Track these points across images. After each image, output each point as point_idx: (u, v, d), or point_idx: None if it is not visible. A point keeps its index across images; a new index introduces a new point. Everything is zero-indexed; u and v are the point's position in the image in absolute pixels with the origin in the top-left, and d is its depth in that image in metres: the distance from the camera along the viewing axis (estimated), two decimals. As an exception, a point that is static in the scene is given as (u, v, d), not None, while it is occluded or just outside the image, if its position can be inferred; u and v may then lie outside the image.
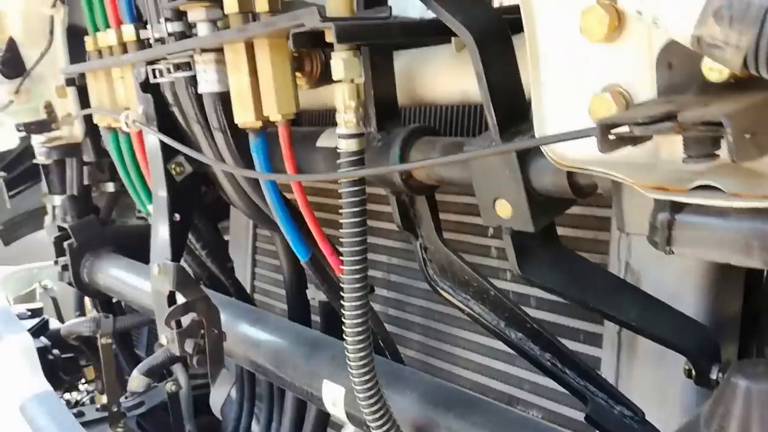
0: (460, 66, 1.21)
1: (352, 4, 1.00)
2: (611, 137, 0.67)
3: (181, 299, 1.53)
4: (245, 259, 2.47)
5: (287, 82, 1.18)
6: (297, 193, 1.22)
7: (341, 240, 1.08)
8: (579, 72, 0.82)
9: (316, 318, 1.88)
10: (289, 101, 1.18)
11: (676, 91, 0.72)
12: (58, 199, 2.82)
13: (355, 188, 1.05)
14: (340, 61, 1.00)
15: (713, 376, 1.14)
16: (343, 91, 1.02)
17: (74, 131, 2.30)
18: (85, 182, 2.55)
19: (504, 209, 1.05)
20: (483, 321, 1.27)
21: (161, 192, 1.56)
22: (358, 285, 1.06)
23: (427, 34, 1.07)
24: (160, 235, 1.56)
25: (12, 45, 2.17)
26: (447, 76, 1.24)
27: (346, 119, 1.03)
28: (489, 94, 0.99)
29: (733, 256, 0.68)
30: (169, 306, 1.54)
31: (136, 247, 2.58)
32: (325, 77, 1.25)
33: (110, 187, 2.56)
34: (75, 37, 2.17)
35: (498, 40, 1.01)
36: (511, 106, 1.02)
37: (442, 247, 1.30)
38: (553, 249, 1.12)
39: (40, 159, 2.41)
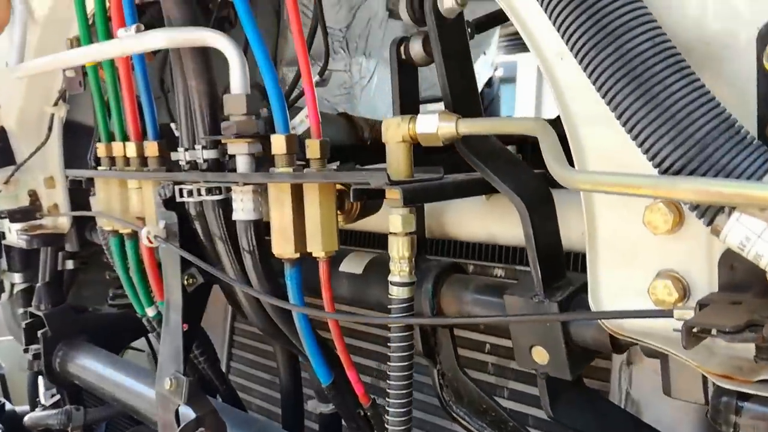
0: (490, 211, 1.30)
1: (411, 167, 1.08)
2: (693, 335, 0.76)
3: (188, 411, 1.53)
4: (220, 352, 2.45)
5: (332, 221, 1.23)
6: (333, 329, 1.26)
7: (389, 381, 1.12)
8: (638, 257, 0.91)
9: (309, 424, 1.89)
10: (333, 239, 1.24)
11: (738, 289, 0.81)
12: (17, 277, 2.75)
13: (405, 333, 1.10)
14: (399, 216, 1.07)
15: None
16: (400, 243, 1.09)
17: (59, 222, 2.27)
18: (59, 268, 2.51)
19: (541, 356, 1.13)
20: (500, 449, 1.32)
21: (175, 304, 1.57)
22: (403, 427, 1.11)
23: (475, 192, 1.15)
24: (172, 345, 1.56)
25: (3, 135, 2.15)
26: (476, 219, 1.33)
27: (401, 269, 1.10)
28: (536, 254, 1.07)
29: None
30: (176, 418, 1.53)
31: (110, 336, 2.53)
32: (361, 215, 1.31)
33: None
34: (69, 131, 2.18)
35: (543, 204, 1.10)
36: (552, 263, 1.11)
37: (461, 376, 1.36)
38: (580, 391, 1.20)
39: (19, 244, 2.36)
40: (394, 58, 1.23)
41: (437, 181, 1.10)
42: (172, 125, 1.94)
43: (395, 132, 1.07)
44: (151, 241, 1.53)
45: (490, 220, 1.32)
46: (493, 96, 4.54)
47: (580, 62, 0.73)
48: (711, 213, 0.69)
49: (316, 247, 1.24)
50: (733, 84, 0.73)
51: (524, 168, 1.14)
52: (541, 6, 0.75)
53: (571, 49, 0.73)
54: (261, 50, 1.28)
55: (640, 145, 0.71)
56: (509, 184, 1.07)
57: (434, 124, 1.03)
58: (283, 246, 1.28)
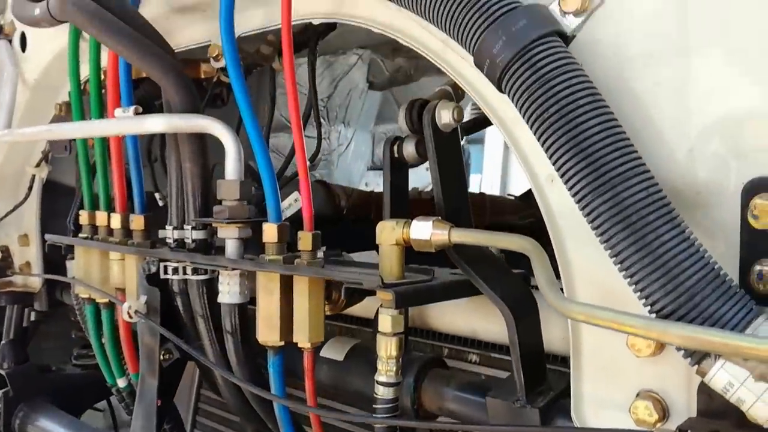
0: (474, 308, 1.33)
1: (403, 269, 1.11)
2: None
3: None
4: (184, 418, 2.41)
5: (320, 312, 1.25)
6: (314, 423, 1.26)
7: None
8: (620, 375, 0.95)
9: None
10: (320, 330, 1.25)
11: (715, 416, 0.85)
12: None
13: (390, 432, 1.11)
14: (389, 317, 1.10)
15: None
16: (389, 343, 1.11)
17: (30, 280, 2.24)
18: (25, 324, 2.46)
19: (522, 458, 1.15)
20: None
21: (150, 379, 1.55)
22: None
23: (463, 294, 1.19)
24: (145, 421, 1.54)
25: (-22, 189, 2.13)
26: (460, 314, 1.36)
27: (388, 369, 1.12)
28: (519, 360, 1.11)
29: None
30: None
31: (73, 398, 2.47)
32: (348, 304, 1.33)
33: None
34: (49, 189, 2.17)
35: (528, 311, 1.14)
36: (534, 368, 1.14)
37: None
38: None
39: (-13, 302, 2.31)
40: (387, 156, 1.28)
41: (427, 283, 1.13)
42: (157, 195, 1.96)
43: (389, 235, 1.10)
44: (131, 317, 1.52)
45: (473, 316, 1.35)
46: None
47: (578, 204, 0.78)
48: (698, 356, 0.73)
49: (302, 338, 1.25)
50: (719, 231, 0.79)
51: (511, 275, 1.18)
52: (543, 148, 0.80)
53: (571, 194, 0.78)
54: (257, 137, 1.31)
55: (634, 287, 0.75)
56: (497, 291, 1.11)
57: (428, 231, 1.07)
58: (268, 334, 1.29)
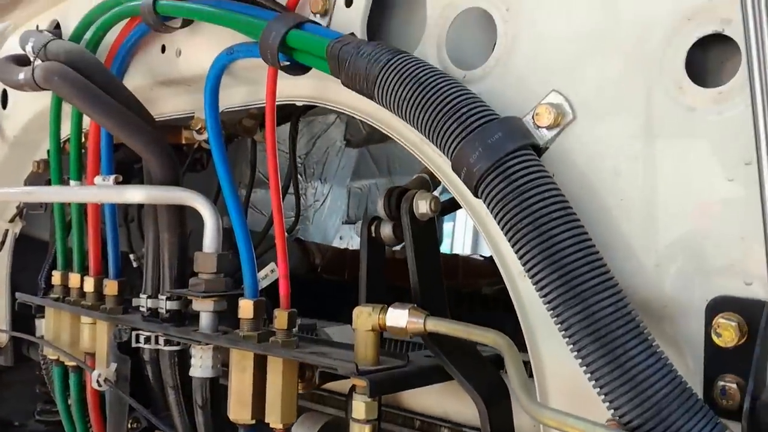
0: (448, 391, 1.34)
1: (378, 354, 1.12)
2: None
3: None
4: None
5: (293, 392, 1.25)
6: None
7: None
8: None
9: None
10: (292, 411, 1.25)
11: None
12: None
13: None
14: (363, 404, 1.10)
15: None
16: (361, 430, 1.11)
17: (-5, 335, 2.20)
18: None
19: None
20: None
21: (117, 450, 1.53)
22: None
23: (438, 380, 1.20)
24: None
25: (-52, 239, 2.10)
26: (434, 395, 1.37)
27: (360, 458, 1.12)
28: (491, 447, 1.12)
29: None
30: None
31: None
32: (321, 384, 1.34)
33: None
34: (21, 244, 2.15)
35: (501, 400, 1.15)
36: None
37: None
38: None
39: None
40: (365, 236, 1.30)
41: (402, 369, 1.14)
42: (131, 255, 1.95)
43: (366, 321, 1.12)
44: (100, 385, 1.50)
45: (446, 397, 1.36)
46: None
47: (551, 314, 0.80)
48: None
49: (274, 418, 1.25)
50: (685, 343, 0.82)
51: (485, 363, 1.20)
52: (517, 256, 0.83)
53: (544, 302, 0.81)
54: (236, 212, 1.33)
55: (603, 397, 0.77)
56: (471, 379, 1.12)
57: (404, 319, 1.09)
58: (239, 411, 1.28)
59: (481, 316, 1.60)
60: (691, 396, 0.74)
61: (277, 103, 1.25)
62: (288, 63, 1.18)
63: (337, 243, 3.42)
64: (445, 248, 4.93)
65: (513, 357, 0.93)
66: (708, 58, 0.83)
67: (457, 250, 5.40)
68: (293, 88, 1.29)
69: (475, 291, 2.31)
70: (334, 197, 3.39)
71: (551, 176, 0.85)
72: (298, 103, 1.33)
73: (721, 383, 0.78)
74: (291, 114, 1.63)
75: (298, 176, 3.09)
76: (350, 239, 3.56)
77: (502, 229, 0.85)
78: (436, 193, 1.24)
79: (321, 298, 2.48)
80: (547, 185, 0.83)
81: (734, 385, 0.77)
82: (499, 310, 1.92)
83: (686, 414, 0.73)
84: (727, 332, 0.76)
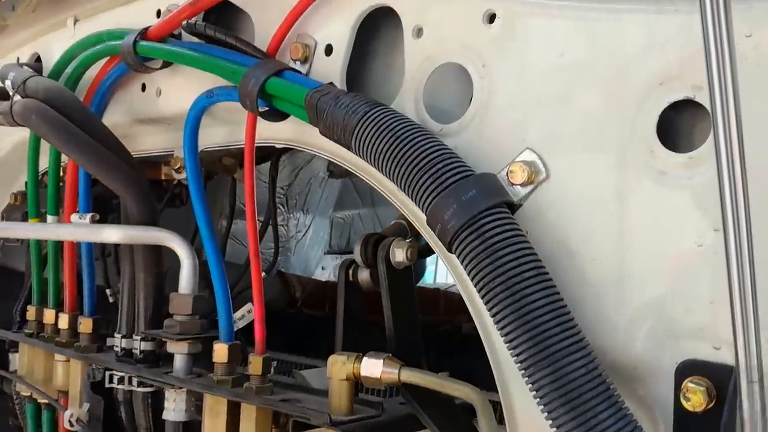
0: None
1: (352, 403, 1.11)
2: None
3: None
4: None
5: (266, 439, 1.24)
6: None
7: None
8: None
9: None
10: (265, 457, 1.24)
11: None
12: None
13: None
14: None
15: None
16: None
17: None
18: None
19: None
20: None
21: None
22: None
23: (410, 430, 1.19)
24: None
25: None
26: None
27: None
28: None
29: None
30: None
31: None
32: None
33: None
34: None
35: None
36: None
37: None
38: None
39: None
40: (342, 280, 1.29)
41: (376, 419, 1.13)
42: (108, 291, 1.93)
43: (340, 370, 1.11)
44: (72, 425, 1.48)
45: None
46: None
47: (522, 374, 0.80)
48: None
49: (248, 464, 1.23)
50: (656, 405, 0.82)
51: (459, 413, 1.19)
52: (490, 314, 0.83)
53: (516, 362, 0.81)
54: (213, 255, 1.32)
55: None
56: (444, 430, 1.11)
57: (378, 369, 1.08)
58: (213, 456, 1.27)
59: (460, 356, 1.60)
60: (661, 461, 0.74)
61: (256, 145, 1.26)
62: (267, 109, 1.18)
63: (318, 273, 3.40)
64: (428, 277, 4.92)
65: (485, 410, 0.93)
66: (681, 121, 0.85)
67: (441, 278, 5.39)
68: (273, 131, 1.29)
69: (455, 328, 2.31)
70: (317, 228, 3.38)
71: (524, 234, 0.85)
72: (278, 146, 1.34)
73: (691, 448, 0.79)
74: (271, 153, 1.63)
75: (281, 207, 3.09)
76: (332, 270, 3.54)
77: (475, 287, 0.85)
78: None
79: (301, 332, 2.47)
80: (520, 244, 0.83)
81: (711, 451, 0.77)
82: (476, 349, 1.92)
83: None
84: (696, 396, 0.76)
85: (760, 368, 0.66)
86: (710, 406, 0.77)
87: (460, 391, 0.98)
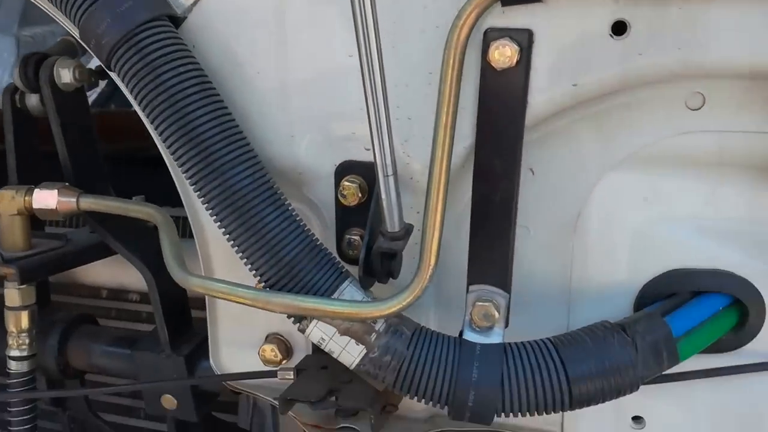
0: (120, 261, 1.32)
1: (29, 238, 1.06)
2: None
3: None
4: None
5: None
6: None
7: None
8: (250, 322, 1.05)
9: None
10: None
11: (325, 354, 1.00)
12: None
13: (27, 407, 1.09)
14: (16, 291, 1.05)
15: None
16: (18, 317, 1.06)
17: None
18: None
19: (170, 402, 1.22)
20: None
21: None
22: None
23: (101, 256, 1.17)
24: None
25: None
26: (107, 269, 1.34)
27: (20, 342, 1.08)
28: (162, 316, 1.15)
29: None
30: None
31: None
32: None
33: None
34: None
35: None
36: (178, 319, 1.20)
37: (93, 419, 1.39)
38: (207, 425, 1.33)
39: None
40: (8, 107, 1.17)
41: (58, 251, 1.09)
42: None
43: (9, 205, 1.04)
44: None
45: (119, 269, 1.34)
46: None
47: (193, 188, 0.82)
48: (298, 318, 0.85)
49: None
50: (321, 205, 0.91)
51: (152, 234, 1.19)
52: (156, 134, 0.81)
53: (186, 178, 0.82)
54: None
55: (245, 261, 0.83)
56: (136, 252, 1.12)
57: (53, 200, 1.03)
58: None
59: (156, 178, 1.58)
60: (320, 252, 0.83)
61: None
62: None
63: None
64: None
65: (167, 229, 0.94)
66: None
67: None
68: None
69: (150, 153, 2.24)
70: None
71: (188, 49, 0.83)
72: None
73: (348, 237, 0.89)
74: None
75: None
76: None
77: (138, 106, 0.82)
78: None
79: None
80: (183, 59, 0.81)
81: (358, 238, 0.88)
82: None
83: (314, 269, 0.82)
84: (350, 193, 0.85)
85: (394, 164, 0.75)
86: (363, 200, 0.87)
87: (142, 212, 0.98)
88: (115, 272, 1.37)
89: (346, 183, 0.86)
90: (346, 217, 0.89)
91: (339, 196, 0.86)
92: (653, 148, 0.84)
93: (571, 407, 0.81)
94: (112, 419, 1.63)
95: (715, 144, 0.83)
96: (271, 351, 1.04)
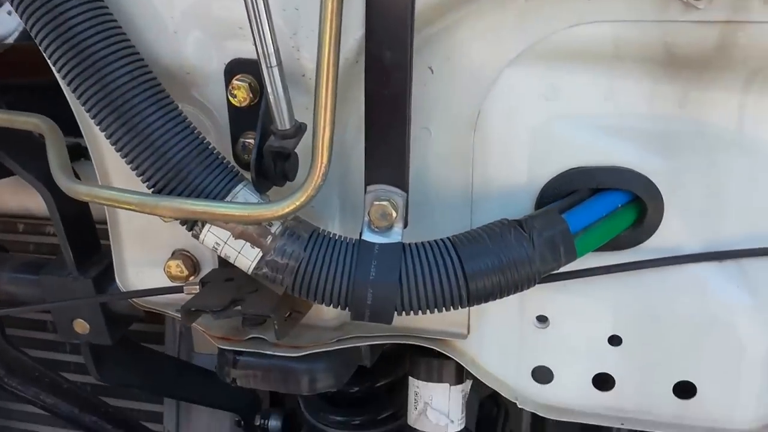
0: (22, 184, 1.27)
1: None
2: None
3: None
4: None
5: None
6: None
7: None
8: (155, 239, 1.02)
9: None
10: None
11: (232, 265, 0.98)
12: None
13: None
14: None
15: (257, 423, 1.49)
16: None
17: None
18: None
19: (82, 327, 1.19)
20: (57, 411, 1.38)
21: None
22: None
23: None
24: None
25: None
26: (9, 192, 1.29)
27: None
28: (65, 237, 1.11)
29: (277, 385, 0.99)
30: None
31: None
32: None
33: None
34: None
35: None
36: (84, 240, 1.16)
37: (11, 351, 1.36)
38: (126, 351, 1.31)
39: None
40: None
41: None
42: None
43: None
44: None
45: (23, 193, 1.29)
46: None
47: (73, 93, 0.77)
48: (190, 223, 0.82)
49: None
50: (213, 108, 0.87)
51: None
52: (32, 35, 0.76)
53: (63, 81, 0.77)
54: None
55: (130, 165, 0.79)
56: (33, 171, 1.07)
57: (-65, 114, 0.97)
58: None
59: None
60: (211, 155, 0.80)
61: None
62: None
63: None
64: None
65: (54, 139, 0.90)
66: None
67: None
68: None
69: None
70: None
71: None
72: None
73: (242, 140, 0.86)
74: None
75: None
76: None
77: (16, 11, 0.77)
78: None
79: None
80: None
81: (251, 140, 0.85)
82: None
83: (205, 171, 0.79)
84: (240, 92, 0.82)
85: (278, 53, 0.72)
86: (255, 101, 0.84)
87: (29, 122, 0.93)
88: (22, 198, 1.31)
89: (236, 82, 0.82)
90: (239, 119, 0.85)
91: (229, 96, 0.83)
92: (548, 43, 0.82)
93: (469, 303, 0.82)
94: (37, 355, 1.60)
95: (610, 35, 0.81)
96: (177, 267, 1.02)
